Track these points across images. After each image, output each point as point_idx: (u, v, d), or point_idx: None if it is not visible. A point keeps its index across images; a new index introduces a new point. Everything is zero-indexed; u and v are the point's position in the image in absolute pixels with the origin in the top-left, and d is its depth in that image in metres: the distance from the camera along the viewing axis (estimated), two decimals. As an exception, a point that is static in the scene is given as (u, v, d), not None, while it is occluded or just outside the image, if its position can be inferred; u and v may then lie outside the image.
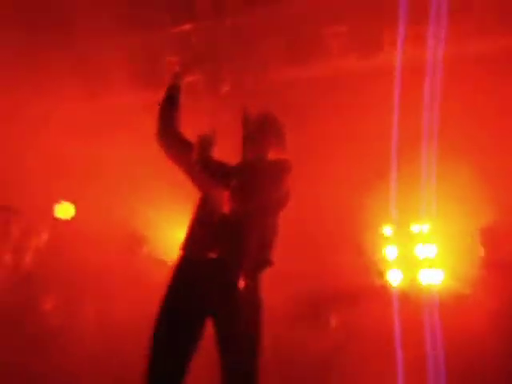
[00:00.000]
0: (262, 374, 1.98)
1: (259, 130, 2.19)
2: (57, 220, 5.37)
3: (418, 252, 4.87)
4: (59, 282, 4.78)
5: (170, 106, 2.20)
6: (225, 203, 1.99)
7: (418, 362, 3.40)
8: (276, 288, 2.21)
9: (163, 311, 2.01)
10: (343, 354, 3.66)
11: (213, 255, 1.96)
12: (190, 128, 2.19)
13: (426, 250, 4.84)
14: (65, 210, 5.37)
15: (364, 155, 4.76)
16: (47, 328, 4.29)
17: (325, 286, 4.26)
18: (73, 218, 5.41)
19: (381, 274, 3.86)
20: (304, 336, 3.75)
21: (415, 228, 4.98)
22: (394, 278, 4.68)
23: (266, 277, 2.08)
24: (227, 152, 2.16)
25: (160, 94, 2.27)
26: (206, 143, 1.98)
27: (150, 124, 2.32)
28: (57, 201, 5.30)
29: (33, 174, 4.90)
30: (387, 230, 4.98)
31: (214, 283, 1.88)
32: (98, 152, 5.07)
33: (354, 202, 4.77)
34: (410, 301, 4.06)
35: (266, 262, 2.06)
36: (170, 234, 4.52)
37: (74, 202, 5.44)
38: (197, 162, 1.95)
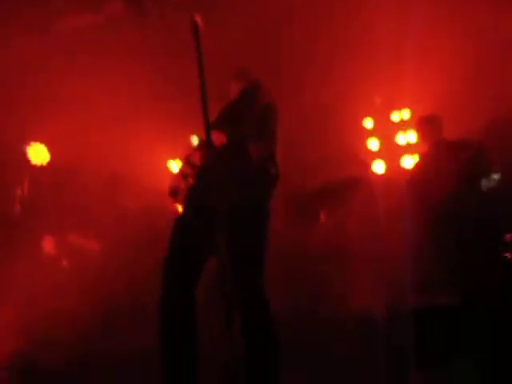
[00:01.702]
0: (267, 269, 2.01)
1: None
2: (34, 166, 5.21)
3: (400, 140, 4.91)
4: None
5: None
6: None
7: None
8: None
9: (177, 224, 2.07)
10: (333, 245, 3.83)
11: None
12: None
13: (408, 137, 4.88)
14: (37, 153, 5.14)
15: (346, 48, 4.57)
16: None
17: (312, 183, 4.32)
18: (48, 163, 5.24)
19: (365, 166, 3.89)
20: (298, 231, 3.89)
21: (395, 117, 4.97)
22: (378, 168, 4.77)
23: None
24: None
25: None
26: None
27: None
28: (28, 143, 5.06)
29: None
30: (368, 122, 4.97)
31: (226, 193, 1.83)
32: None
33: (335, 97, 4.69)
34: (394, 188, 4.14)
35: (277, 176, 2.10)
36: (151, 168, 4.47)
37: (46, 143, 5.22)
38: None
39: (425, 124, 3.59)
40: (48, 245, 4.77)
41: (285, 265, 3.52)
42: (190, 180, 2.02)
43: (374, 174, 4.70)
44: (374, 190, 3.79)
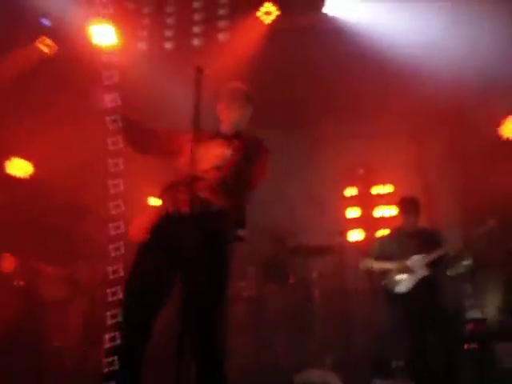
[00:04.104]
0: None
1: None
2: (10, 177, 5.11)
3: (378, 213, 5.06)
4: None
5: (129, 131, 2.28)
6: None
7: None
8: (242, 248, 2.18)
9: (135, 263, 2.04)
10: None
11: (189, 210, 1.92)
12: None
13: (386, 211, 5.04)
14: (18, 167, 5.10)
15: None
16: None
17: (287, 244, 4.36)
18: (30, 176, 5.17)
19: (341, 233, 3.97)
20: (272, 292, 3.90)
21: (376, 190, 5.15)
22: (354, 237, 4.87)
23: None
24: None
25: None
26: None
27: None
28: (8, 157, 5.02)
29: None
30: (350, 191, 5.12)
31: (188, 236, 1.83)
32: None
33: (319, 164, 4.85)
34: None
35: (240, 224, 2.12)
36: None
37: (31, 159, 5.17)
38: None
39: (405, 205, 3.73)
40: (6, 263, 4.57)
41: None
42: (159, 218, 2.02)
43: (348, 242, 4.78)
44: (343, 260, 3.84)
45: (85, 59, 4.78)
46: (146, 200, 5.03)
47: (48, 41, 5.05)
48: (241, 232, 2.13)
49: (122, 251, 4.05)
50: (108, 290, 3.69)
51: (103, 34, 4.74)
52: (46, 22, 4.97)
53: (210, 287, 1.96)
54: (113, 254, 4.07)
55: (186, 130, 2.09)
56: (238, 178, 2.06)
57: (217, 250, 2.01)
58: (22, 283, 4.46)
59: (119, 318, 1.99)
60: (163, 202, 2.08)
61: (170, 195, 2.06)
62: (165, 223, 2.01)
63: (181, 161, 2.13)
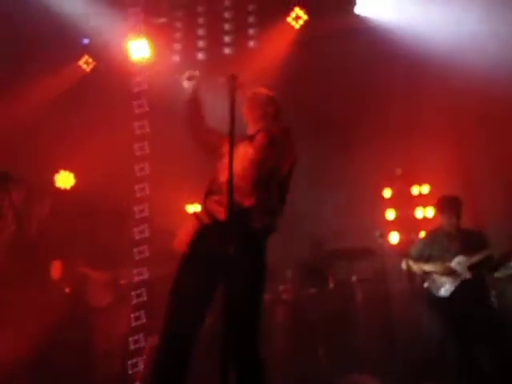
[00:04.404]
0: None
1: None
2: (58, 189, 5.40)
3: (417, 214, 4.93)
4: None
5: (194, 107, 2.39)
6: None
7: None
8: (281, 252, 2.20)
9: (179, 274, 2.10)
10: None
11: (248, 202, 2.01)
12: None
13: (425, 212, 4.89)
14: (64, 179, 5.39)
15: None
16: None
17: (326, 248, 4.33)
18: (72, 188, 5.44)
19: (381, 236, 3.89)
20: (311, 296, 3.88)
21: (415, 190, 5.02)
22: (394, 239, 4.76)
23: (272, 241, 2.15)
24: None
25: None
26: None
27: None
28: (57, 170, 5.32)
29: (36, 143, 4.92)
30: (387, 192, 5.02)
31: (225, 244, 1.82)
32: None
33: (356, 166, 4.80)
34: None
35: (272, 228, 2.14)
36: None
37: (73, 171, 5.45)
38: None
39: (445, 204, 3.61)
40: (55, 270, 4.79)
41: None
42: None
43: (389, 244, 4.68)
44: (384, 262, 3.76)
45: (122, 74, 5.01)
46: (183, 207, 5.16)
47: (89, 59, 5.32)
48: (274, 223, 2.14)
49: (147, 254, 4.18)
50: (132, 293, 3.80)
51: (139, 49, 4.94)
52: (86, 41, 5.23)
53: (249, 291, 2.00)
54: (137, 258, 4.19)
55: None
56: (266, 165, 2.09)
57: (252, 252, 2.06)
58: (67, 290, 4.68)
59: (166, 325, 2.03)
60: (200, 213, 2.14)
61: (205, 205, 2.12)
62: (202, 235, 2.06)
63: (220, 166, 2.20)
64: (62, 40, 4.94)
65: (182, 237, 2.08)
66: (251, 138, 2.22)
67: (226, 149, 2.18)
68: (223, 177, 2.07)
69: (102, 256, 4.20)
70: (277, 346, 3.71)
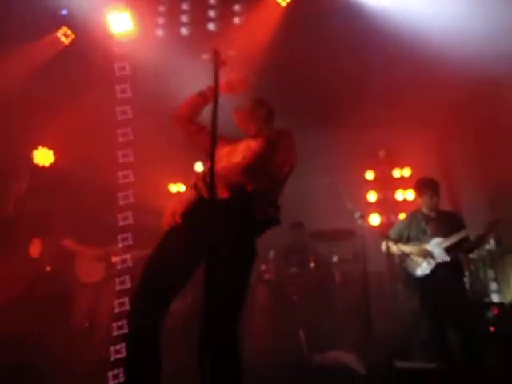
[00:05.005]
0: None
1: None
2: (36, 166, 5.27)
3: (398, 196, 5.00)
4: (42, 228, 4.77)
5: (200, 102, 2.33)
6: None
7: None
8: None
9: (163, 242, 2.07)
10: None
11: (224, 195, 1.99)
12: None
13: (405, 195, 4.97)
14: (43, 156, 5.26)
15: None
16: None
17: (308, 229, 4.37)
18: (51, 165, 5.32)
19: (361, 217, 3.94)
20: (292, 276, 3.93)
21: (396, 173, 5.08)
22: (375, 220, 4.84)
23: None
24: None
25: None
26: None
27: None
28: (35, 147, 5.17)
29: (11, 120, 4.75)
30: (370, 174, 5.07)
31: (219, 226, 1.79)
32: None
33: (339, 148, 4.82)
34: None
35: (276, 220, 2.13)
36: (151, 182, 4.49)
37: (52, 148, 5.31)
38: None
39: (424, 185, 3.66)
40: (34, 248, 4.72)
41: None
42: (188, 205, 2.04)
43: (369, 225, 4.75)
44: (364, 243, 3.82)
45: (102, 47, 4.84)
46: (167, 187, 5.11)
47: (68, 31, 5.11)
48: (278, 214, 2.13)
49: (130, 242, 4.15)
50: (116, 279, 3.78)
51: (120, 22, 4.77)
52: (64, 12, 5.02)
53: (232, 273, 1.97)
54: (120, 245, 4.17)
55: (222, 136, 2.16)
56: (265, 165, 2.10)
57: (244, 236, 2.04)
58: (48, 267, 4.63)
59: (135, 295, 2.01)
60: (196, 191, 2.08)
61: (205, 182, 2.06)
62: (197, 207, 2.02)
63: (220, 154, 2.18)
64: (39, 10, 4.72)
65: (177, 205, 2.03)
66: (253, 137, 2.25)
67: (220, 143, 2.18)
68: (224, 162, 2.10)
69: (93, 233, 4.15)
70: (258, 324, 3.77)
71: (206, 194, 1.99)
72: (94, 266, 4.10)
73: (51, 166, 5.31)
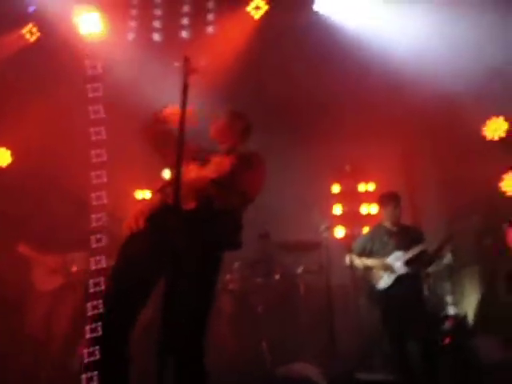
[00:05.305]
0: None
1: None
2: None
3: (362, 210, 5.12)
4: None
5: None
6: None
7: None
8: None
9: (125, 250, 1.99)
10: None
11: (190, 206, 1.93)
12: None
13: (370, 209, 5.10)
14: (1, 157, 5.01)
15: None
16: None
17: (273, 240, 4.38)
18: (9, 166, 5.07)
19: (326, 229, 4.00)
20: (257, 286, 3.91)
21: (361, 187, 5.20)
22: (340, 233, 4.92)
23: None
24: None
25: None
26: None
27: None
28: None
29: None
30: (336, 187, 5.17)
31: (184, 236, 1.76)
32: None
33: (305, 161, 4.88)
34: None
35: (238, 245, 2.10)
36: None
37: (10, 148, 5.07)
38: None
39: (387, 199, 3.77)
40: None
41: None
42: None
43: (334, 238, 4.83)
44: (329, 255, 3.87)
45: (69, 47, 4.70)
46: (132, 193, 4.98)
47: (33, 28, 4.93)
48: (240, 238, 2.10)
49: (104, 242, 4.02)
50: (90, 281, 3.65)
51: (89, 22, 4.66)
52: (32, 8, 4.85)
53: (197, 285, 1.93)
54: (94, 245, 4.03)
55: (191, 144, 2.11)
56: (235, 184, 2.06)
57: (213, 250, 2.01)
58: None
59: (102, 307, 1.94)
60: (163, 196, 2.03)
61: (171, 190, 1.95)
62: (162, 214, 1.95)
63: (188, 165, 2.10)
64: (6, 5, 4.54)
65: (141, 209, 1.97)
66: (222, 154, 2.20)
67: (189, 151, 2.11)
68: (194, 174, 2.05)
69: (51, 239, 3.97)
70: (221, 334, 3.71)
71: (171, 200, 1.89)
72: (50, 274, 3.94)
73: (8, 166, 5.07)
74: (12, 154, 5.07)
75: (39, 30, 4.95)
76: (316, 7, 4.80)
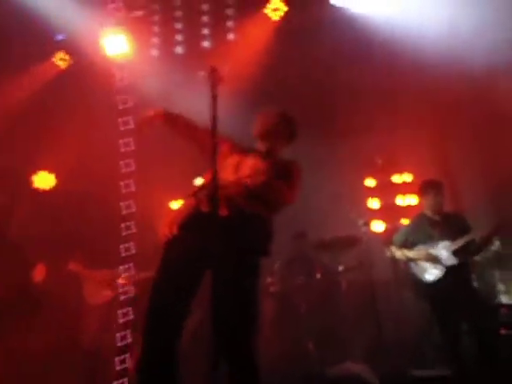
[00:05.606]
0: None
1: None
2: (36, 190, 5.28)
3: (401, 202, 4.99)
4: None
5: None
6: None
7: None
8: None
9: (164, 255, 2.01)
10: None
11: (223, 212, 1.92)
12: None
13: (408, 200, 4.96)
14: (43, 180, 5.27)
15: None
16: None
17: (311, 239, 4.35)
18: (53, 188, 5.33)
19: (365, 224, 3.92)
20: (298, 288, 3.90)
21: (397, 179, 5.08)
22: (377, 227, 4.82)
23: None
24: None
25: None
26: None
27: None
28: (35, 171, 5.20)
29: (12, 144, 4.79)
30: (370, 181, 5.07)
31: (219, 242, 1.73)
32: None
33: (338, 157, 4.83)
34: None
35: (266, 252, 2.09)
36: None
37: (53, 171, 5.33)
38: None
39: (428, 187, 3.64)
40: (38, 272, 4.70)
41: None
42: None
43: (373, 232, 4.73)
44: (369, 250, 3.80)
45: (100, 70, 4.90)
46: (168, 205, 5.10)
47: (64, 55, 5.18)
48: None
49: (133, 251, 4.13)
50: (120, 289, 3.76)
51: (116, 44, 4.83)
52: (60, 37, 5.10)
53: (235, 292, 1.92)
54: (123, 254, 4.14)
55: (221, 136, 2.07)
56: (269, 194, 2.05)
57: (247, 256, 2.00)
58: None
59: (147, 318, 1.95)
60: (196, 201, 2.02)
61: (204, 195, 1.98)
62: (196, 219, 1.96)
63: (223, 164, 2.12)
64: (34, 36, 4.80)
65: (173, 216, 1.99)
66: (261, 155, 2.17)
67: (225, 148, 2.16)
68: (227, 174, 2.04)
69: (97, 255, 4.15)
70: (266, 340, 3.71)
71: (204, 206, 1.93)
72: (100, 288, 4.10)
73: (53, 189, 5.32)
74: (56, 177, 5.33)
75: (70, 56, 5.20)
76: (332, 0, 4.76)
